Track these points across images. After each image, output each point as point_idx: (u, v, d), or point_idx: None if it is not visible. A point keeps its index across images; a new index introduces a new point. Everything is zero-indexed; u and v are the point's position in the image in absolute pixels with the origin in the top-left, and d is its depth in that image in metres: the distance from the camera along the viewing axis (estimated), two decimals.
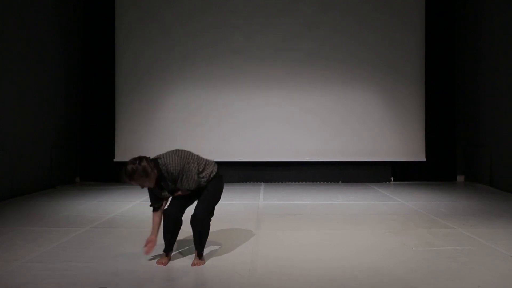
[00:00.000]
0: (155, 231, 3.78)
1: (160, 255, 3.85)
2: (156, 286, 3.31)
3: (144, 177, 3.55)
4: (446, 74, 9.27)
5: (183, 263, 3.80)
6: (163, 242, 3.80)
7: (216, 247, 4.21)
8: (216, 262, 3.80)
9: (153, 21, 9.15)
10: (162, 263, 3.75)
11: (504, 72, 7.85)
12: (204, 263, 3.75)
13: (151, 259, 3.85)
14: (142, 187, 3.63)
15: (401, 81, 9.16)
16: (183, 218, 3.84)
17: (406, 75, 9.16)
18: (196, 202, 3.87)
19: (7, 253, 4.06)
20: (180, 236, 4.40)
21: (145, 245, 3.75)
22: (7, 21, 7.08)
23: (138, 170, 3.52)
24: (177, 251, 4.07)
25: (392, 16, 9.15)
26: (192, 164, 3.71)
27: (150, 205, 3.82)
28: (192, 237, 3.81)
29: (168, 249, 3.82)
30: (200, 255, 3.78)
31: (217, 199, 3.93)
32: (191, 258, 3.83)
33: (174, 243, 3.87)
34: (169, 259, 3.82)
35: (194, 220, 3.73)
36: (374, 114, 9.12)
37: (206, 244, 3.88)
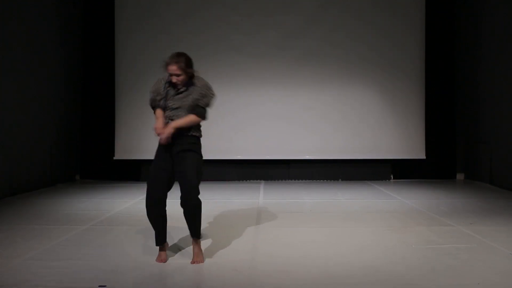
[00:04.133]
0: (159, 120, 3.75)
1: (159, 253, 3.83)
2: (156, 284, 3.32)
3: (184, 66, 3.71)
4: (446, 72, 9.25)
5: (182, 260, 3.81)
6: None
7: (216, 245, 4.20)
8: (216, 260, 3.81)
9: (153, 19, 9.12)
10: (161, 260, 3.75)
11: (504, 71, 7.84)
12: (204, 260, 3.74)
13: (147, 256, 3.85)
14: (173, 76, 3.71)
15: (401, 79, 9.15)
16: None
17: (406, 72, 9.15)
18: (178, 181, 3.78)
19: (7, 251, 4.06)
20: (179, 235, 4.40)
21: (157, 134, 3.71)
22: (7, 20, 7.07)
23: (186, 56, 3.76)
24: (177, 249, 4.08)
25: (392, 14, 9.12)
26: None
27: (152, 105, 3.85)
28: (187, 228, 3.78)
29: (161, 240, 3.77)
30: (198, 242, 3.74)
31: (201, 171, 3.81)
32: (190, 255, 3.82)
33: (166, 232, 3.82)
34: (167, 257, 3.82)
35: (185, 202, 3.67)
36: (374, 112, 9.12)
37: (206, 242, 3.88)
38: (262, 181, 9.05)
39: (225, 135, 9.00)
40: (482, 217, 5.49)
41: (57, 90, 8.54)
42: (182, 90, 3.78)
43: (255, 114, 9.07)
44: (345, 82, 9.12)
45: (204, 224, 3.85)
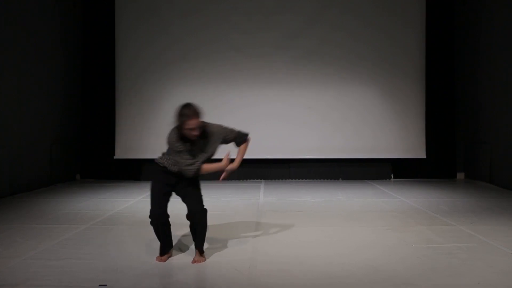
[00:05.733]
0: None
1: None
2: (156, 283, 3.32)
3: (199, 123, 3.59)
4: (446, 72, 9.25)
5: (183, 260, 3.81)
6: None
7: (216, 244, 4.21)
8: (216, 259, 3.81)
9: (153, 19, 9.13)
10: (161, 260, 3.75)
11: (504, 69, 7.84)
12: (204, 260, 3.75)
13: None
14: (194, 132, 3.58)
15: (401, 78, 9.15)
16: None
17: (406, 72, 9.15)
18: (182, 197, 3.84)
19: (7, 250, 4.06)
20: (180, 234, 4.40)
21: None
22: (7, 20, 7.07)
23: (199, 109, 3.60)
24: (177, 248, 4.08)
25: (392, 13, 9.12)
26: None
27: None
28: (191, 235, 3.82)
29: (165, 251, 3.81)
30: (201, 252, 3.78)
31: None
32: (191, 255, 3.83)
33: (171, 242, 3.87)
34: (169, 256, 3.82)
35: (192, 215, 3.72)
36: (374, 111, 9.12)
37: (206, 241, 3.88)
38: (263, 181, 9.05)
39: None
40: (482, 216, 5.49)
41: (57, 90, 8.55)
42: (199, 143, 3.76)
43: (255, 114, 9.06)
44: (345, 82, 9.12)
45: None
